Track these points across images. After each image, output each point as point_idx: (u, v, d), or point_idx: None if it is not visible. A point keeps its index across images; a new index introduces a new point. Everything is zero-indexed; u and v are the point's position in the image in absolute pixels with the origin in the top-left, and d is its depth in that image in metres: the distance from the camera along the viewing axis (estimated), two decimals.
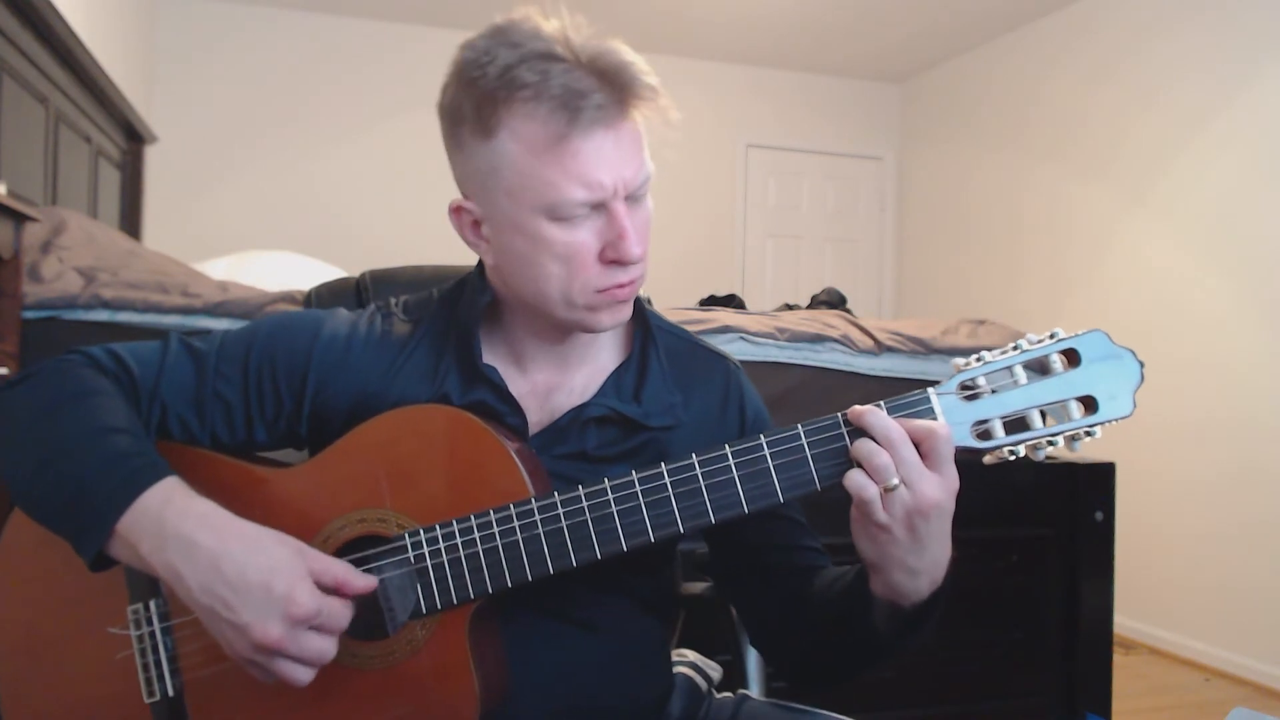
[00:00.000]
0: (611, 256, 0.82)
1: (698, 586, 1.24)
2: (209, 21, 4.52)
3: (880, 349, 2.16)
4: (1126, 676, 3.18)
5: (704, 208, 5.29)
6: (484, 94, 0.79)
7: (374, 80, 4.68)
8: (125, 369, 0.86)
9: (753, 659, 1.17)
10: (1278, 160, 3.30)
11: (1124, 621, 3.58)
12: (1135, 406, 0.75)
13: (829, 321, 2.20)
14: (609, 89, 0.79)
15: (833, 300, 3.74)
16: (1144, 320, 3.70)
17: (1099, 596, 2.17)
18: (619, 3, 4.46)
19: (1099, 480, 2.20)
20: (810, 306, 3.67)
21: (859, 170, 5.60)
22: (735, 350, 2.04)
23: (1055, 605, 2.17)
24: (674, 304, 2.64)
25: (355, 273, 1.30)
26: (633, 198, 0.83)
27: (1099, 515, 2.17)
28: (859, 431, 0.76)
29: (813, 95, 5.48)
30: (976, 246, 4.93)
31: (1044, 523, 2.18)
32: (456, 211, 0.88)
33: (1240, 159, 3.44)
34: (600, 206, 0.81)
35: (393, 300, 0.98)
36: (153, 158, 3.97)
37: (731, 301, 3.79)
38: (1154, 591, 3.60)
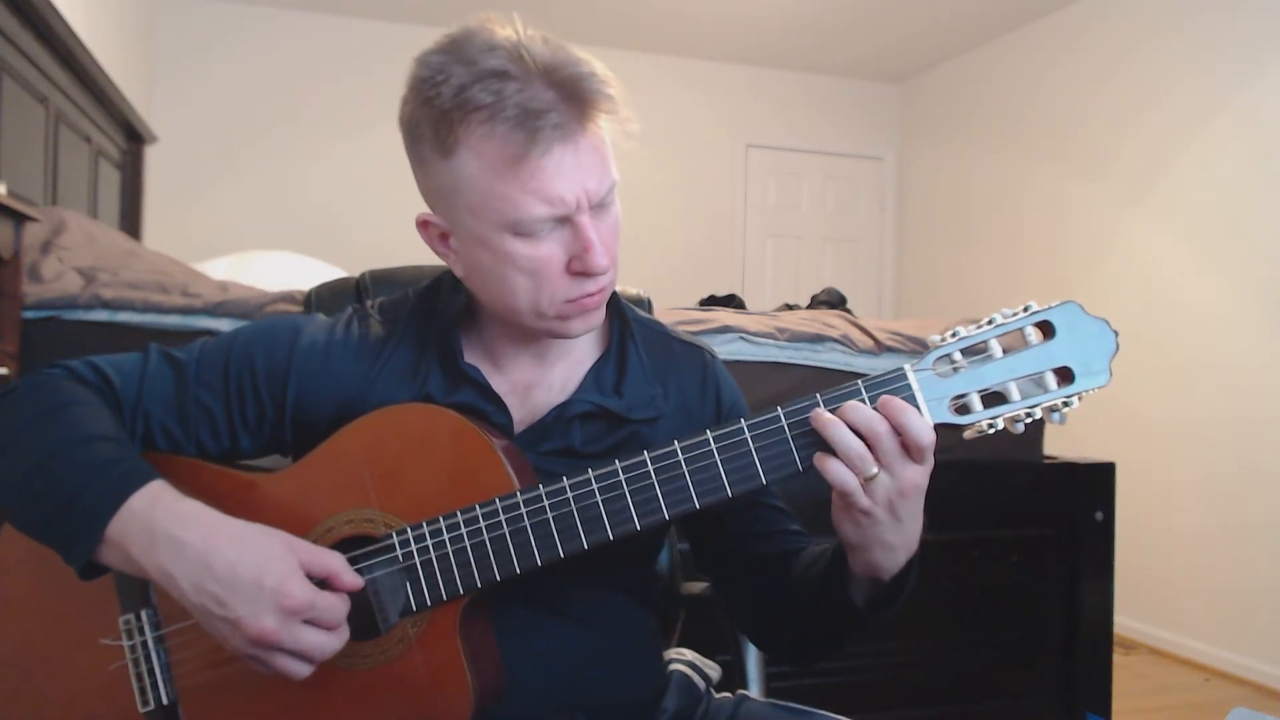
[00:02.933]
0: (578, 268, 0.82)
1: (697, 586, 1.24)
2: (209, 21, 4.52)
3: (880, 349, 2.16)
4: (1126, 676, 3.19)
5: (704, 208, 5.29)
6: (440, 114, 0.78)
7: (374, 80, 4.68)
8: (107, 381, 0.86)
9: (752, 659, 1.17)
10: (1277, 160, 3.30)
11: (1124, 621, 3.58)
12: (1112, 376, 0.75)
13: (829, 321, 2.20)
14: (566, 103, 0.77)
15: (833, 300, 3.75)
16: (1144, 320, 3.70)
17: (1099, 596, 2.17)
18: (620, 3, 4.47)
19: (1099, 480, 2.20)
20: (810, 306, 3.67)
21: (859, 170, 5.60)
22: (735, 350, 2.04)
23: (1055, 605, 2.17)
24: (674, 304, 2.64)
25: (355, 273, 1.30)
26: (598, 206, 0.82)
27: (1099, 515, 2.17)
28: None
29: (813, 95, 5.48)
30: (976, 246, 4.93)
31: (1044, 523, 2.18)
32: (424, 225, 0.88)
33: (1240, 159, 3.44)
34: (565, 220, 0.80)
35: (369, 303, 0.98)
36: (153, 158, 3.97)
37: (731, 301, 3.79)
38: (1154, 591, 3.60)
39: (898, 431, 0.74)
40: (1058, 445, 2.41)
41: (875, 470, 0.73)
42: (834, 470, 0.74)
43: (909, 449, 0.74)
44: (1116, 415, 3.72)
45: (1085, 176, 4.19)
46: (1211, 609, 3.42)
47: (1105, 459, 2.23)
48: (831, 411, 0.76)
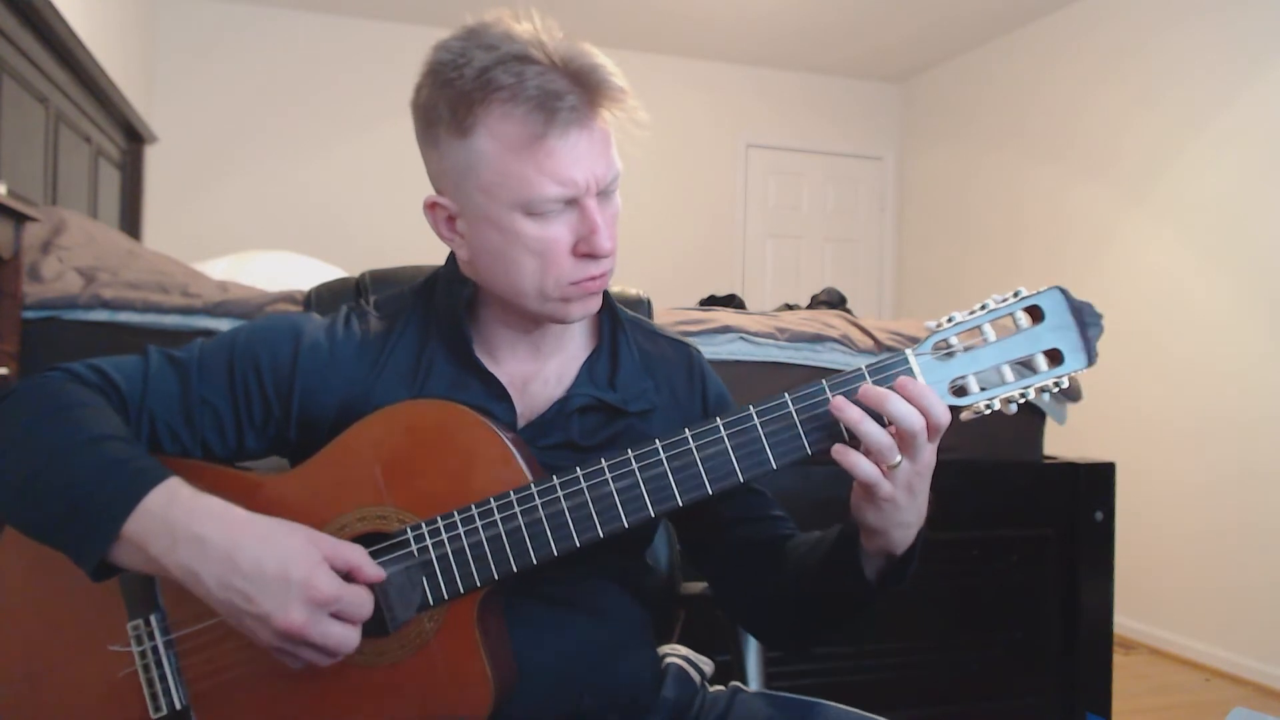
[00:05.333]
0: (584, 250, 0.84)
1: (697, 586, 1.24)
2: (209, 21, 4.52)
3: (880, 349, 2.16)
4: (1126, 676, 3.18)
5: (704, 208, 5.29)
6: (460, 94, 0.81)
7: (374, 80, 4.68)
8: (110, 383, 0.86)
9: (752, 658, 1.17)
10: (1278, 160, 3.30)
11: (1124, 621, 3.58)
12: (1097, 356, 0.77)
13: (829, 321, 2.20)
14: (581, 90, 0.81)
15: (833, 300, 3.75)
16: (1144, 320, 3.70)
17: (1099, 596, 2.17)
18: (620, 3, 4.47)
19: (1099, 480, 2.20)
20: (810, 306, 3.68)
21: (859, 170, 5.60)
22: (735, 350, 2.04)
23: (1055, 605, 2.17)
24: (674, 304, 2.64)
25: (355, 273, 1.30)
26: (603, 194, 0.85)
27: (1099, 515, 2.17)
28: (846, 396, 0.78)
29: (813, 95, 5.48)
30: (976, 246, 4.93)
31: (1044, 523, 2.18)
32: (431, 207, 0.90)
33: (1240, 158, 3.44)
34: (573, 202, 0.83)
35: (362, 301, 0.99)
36: (153, 158, 3.97)
37: (731, 301, 3.80)
38: (1154, 591, 3.60)
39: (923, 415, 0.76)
40: (1058, 445, 2.41)
41: (899, 459, 0.76)
42: (859, 465, 0.76)
43: (929, 431, 0.76)
44: (1116, 415, 3.72)
45: (1085, 176, 4.19)
46: (1211, 609, 3.42)
47: (1105, 459, 2.23)
48: (853, 399, 0.77)
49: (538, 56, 0.80)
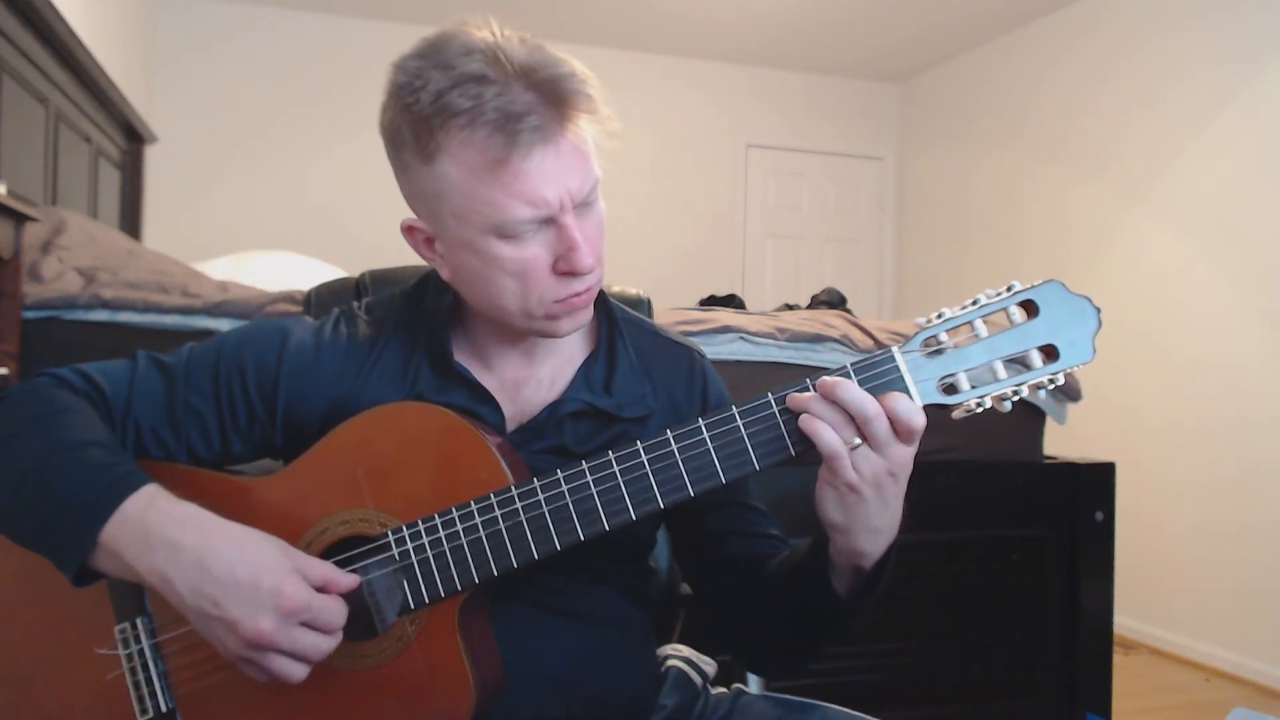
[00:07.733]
0: (564, 268, 0.82)
1: None
2: (209, 21, 4.52)
3: (880, 349, 2.15)
4: (1126, 676, 3.18)
5: (704, 208, 5.29)
6: (419, 120, 0.79)
7: (374, 80, 4.60)
8: (96, 388, 0.86)
9: None
10: (1277, 160, 3.30)
11: (1124, 621, 3.58)
12: (1095, 352, 0.75)
13: (829, 321, 2.20)
14: (545, 105, 0.77)
15: (833, 300, 3.75)
16: (1144, 320, 3.70)
17: (1099, 596, 2.17)
18: (621, 3, 4.47)
19: (1099, 480, 2.20)
20: (810, 306, 3.68)
21: (859, 170, 5.60)
22: (735, 350, 2.04)
23: (1055, 605, 2.17)
24: (674, 304, 2.64)
25: (355, 273, 1.30)
26: (582, 205, 0.82)
27: (1099, 515, 2.17)
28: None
29: (813, 95, 5.48)
30: (976, 246, 4.93)
31: (1044, 523, 2.18)
32: (409, 230, 0.88)
33: (1240, 159, 3.44)
34: (549, 221, 0.80)
35: (355, 303, 0.98)
36: (153, 158, 3.97)
37: (731, 301, 3.80)
38: (1154, 591, 3.60)
39: (889, 416, 0.74)
40: (1058, 445, 2.41)
41: (857, 441, 0.74)
42: (821, 432, 0.74)
43: (899, 433, 0.74)
44: (1116, 415, 3.72)
45: (1085, 176, 4.19)
46: (1211, 609, 3.42)
47: (1105, 459, 2.23)
48: (819, 390, 0.75)
49: (494, 75, 0.76)
